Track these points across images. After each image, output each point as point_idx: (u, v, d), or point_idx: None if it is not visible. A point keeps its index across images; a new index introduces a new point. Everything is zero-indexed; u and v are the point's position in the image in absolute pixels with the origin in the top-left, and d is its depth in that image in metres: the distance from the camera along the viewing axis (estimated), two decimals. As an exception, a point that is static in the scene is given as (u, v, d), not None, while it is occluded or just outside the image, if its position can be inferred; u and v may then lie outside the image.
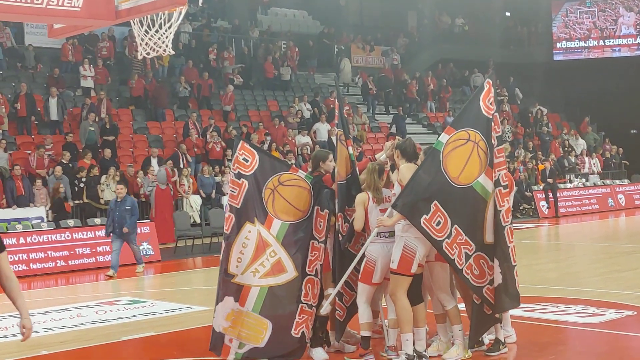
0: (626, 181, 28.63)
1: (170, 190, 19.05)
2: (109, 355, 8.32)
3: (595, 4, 33.67)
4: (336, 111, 7.99)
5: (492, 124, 7.26)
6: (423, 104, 30.92)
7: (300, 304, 7.30)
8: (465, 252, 6.98)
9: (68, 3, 7.59)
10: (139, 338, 8.81)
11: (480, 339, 7.38)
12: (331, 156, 7.66)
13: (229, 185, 7.61)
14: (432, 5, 35.67)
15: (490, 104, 7.29)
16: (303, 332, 7.30)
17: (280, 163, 7.95)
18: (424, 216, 6.80)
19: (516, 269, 7.28)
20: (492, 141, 7.20)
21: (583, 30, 33.80)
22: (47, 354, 8.10)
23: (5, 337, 8.98)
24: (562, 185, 25.25)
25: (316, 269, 7.39)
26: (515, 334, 7.72)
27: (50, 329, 9.36)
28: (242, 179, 7.42)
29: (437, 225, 6.83)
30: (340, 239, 7.26)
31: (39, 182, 17.84)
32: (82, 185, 18.19)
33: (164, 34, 8.13)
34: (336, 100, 8.35)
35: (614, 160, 30.38)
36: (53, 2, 7.53)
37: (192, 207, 19.62)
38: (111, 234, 14.02)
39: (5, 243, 4.76)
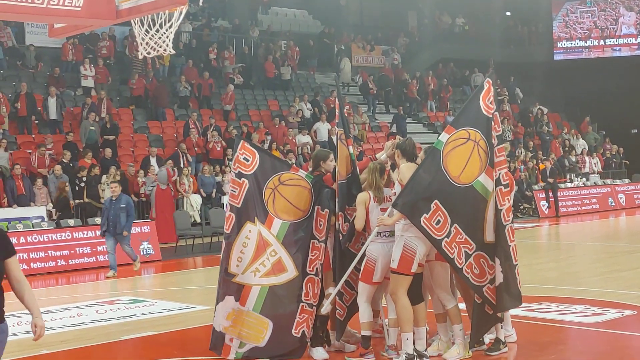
0: (626, 181, 28.66)
1: (170, 190, 19.06)
2: (110, 354, 8.33)
3: (596, 4, 33.64)
4: (336, 111, 8.00)
5: (492, 123, 7.26)
6: (423, 104, 30.92)
7: (301, 304, 7.31)
8: (465, 251, 6.98)
9: (69, 3, 7.58)
10: (139, 337, 8.81)
11: (480, 339, 7.39)
12: (332, 156, 7.66)
13: (230, 184, 7.62)
14: (432, 5, 35.67)
15: (490, 103, 7.30)
16: (303, 331, 7.30)
17: (280, 162, 7.96)
18: (424, 215, 6.80)
19: (517, 268, 7.28)
20: (493, 140, 7.20)
21: (583, 30, 33.78)
22: (48, 353, 8.10)
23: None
24: (562, 185, 25.24)
25: (317, 269, 7.39)
26: (516, 333, 7.73)
27: (50, 328, 9.33)
28: (242, 179, 7.43)
29: (437, 224, 6.84)
30: (340, 239, 7.27)
31: (39, 181, 17.84)
32: (82, 184, 18.19)
33: (164, 33, 8.13)
34: (336, 100, 8.36)
35: (614, 159, 30.37)
36: (54, 1, 7.52)
37: (192, 206, 19.62)
38: (105, 233, 14.00)
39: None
